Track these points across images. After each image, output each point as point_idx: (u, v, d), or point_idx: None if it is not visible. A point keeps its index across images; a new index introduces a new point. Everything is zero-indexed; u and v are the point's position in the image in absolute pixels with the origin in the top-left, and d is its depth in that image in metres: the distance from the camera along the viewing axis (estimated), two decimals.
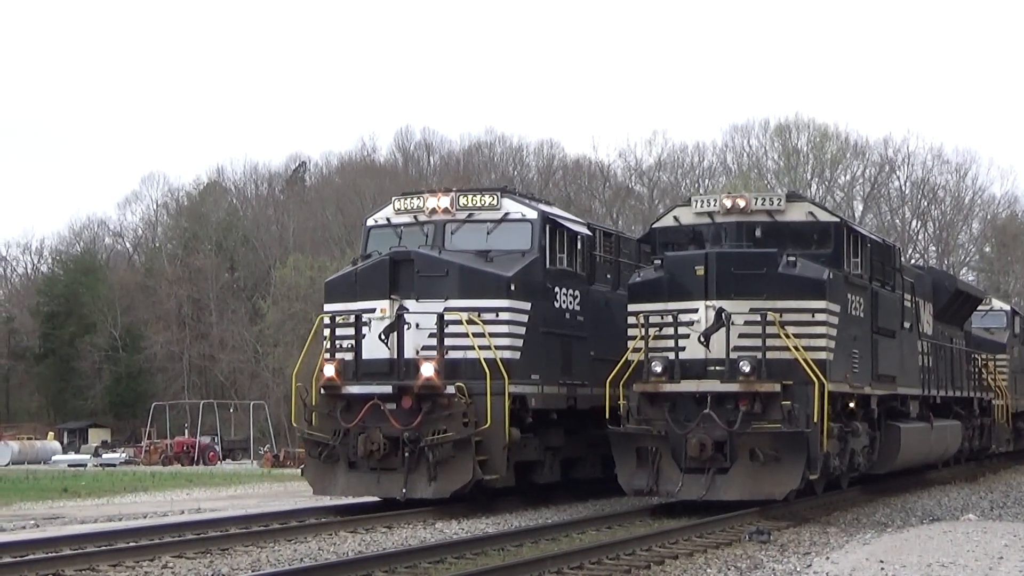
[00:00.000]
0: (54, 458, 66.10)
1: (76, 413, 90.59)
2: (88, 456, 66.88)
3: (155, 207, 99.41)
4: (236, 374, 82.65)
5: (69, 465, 61.20)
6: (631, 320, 22.62)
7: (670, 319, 21.87)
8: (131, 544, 17.99)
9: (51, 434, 78.84)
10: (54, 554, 16.84)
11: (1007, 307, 41.74)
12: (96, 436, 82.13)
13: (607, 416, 22.61)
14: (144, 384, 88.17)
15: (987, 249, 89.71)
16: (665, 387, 21.80)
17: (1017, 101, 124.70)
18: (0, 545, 17.76)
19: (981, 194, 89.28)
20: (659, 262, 22.79)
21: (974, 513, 23.15)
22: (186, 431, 71.46)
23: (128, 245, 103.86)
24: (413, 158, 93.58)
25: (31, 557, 16.58)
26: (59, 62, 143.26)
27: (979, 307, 36.72)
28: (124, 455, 66.59)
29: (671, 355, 21.79)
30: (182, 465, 60.26)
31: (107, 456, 65.83)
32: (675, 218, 23.97)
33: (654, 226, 24.60)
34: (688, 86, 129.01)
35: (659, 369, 21.80)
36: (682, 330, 21.74)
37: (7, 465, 62.42)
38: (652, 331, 22.04)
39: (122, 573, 15.68)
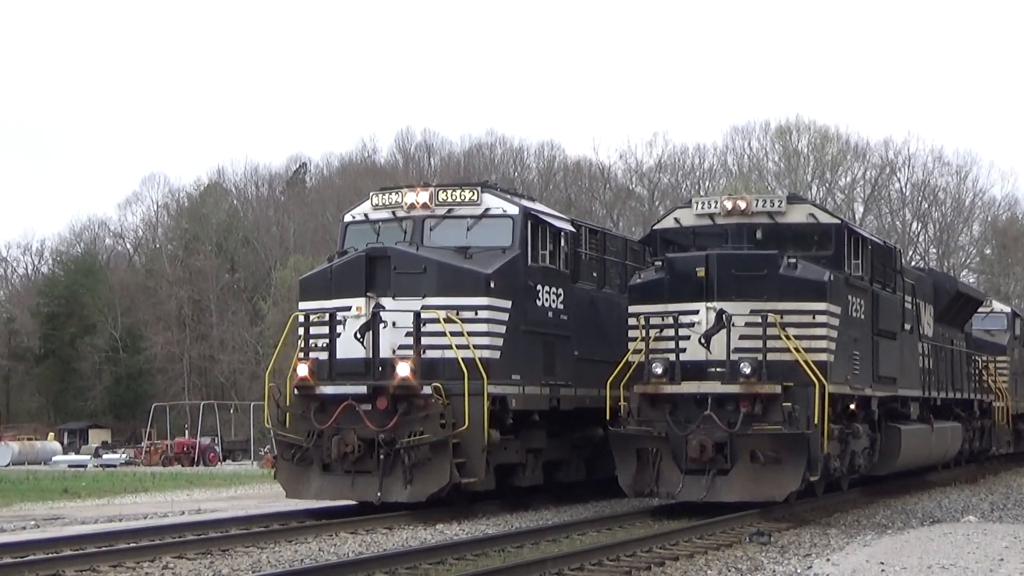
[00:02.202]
0: (54, 459, 66.13)
1: (76, 414, 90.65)
2: (88, 457, 66.88)
3: (155, 208, 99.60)
4: (236, 375, 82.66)
5: (69, 466, 61.21)
6: (631, 321, 22.60)
7: (671, 320, 21.86)
8: (131, 545, 17.99)
9: (51, 435, 78.90)
10: (54, 555, 16.84)
11: (1007, 309, 41.74)
12: (96, 437, 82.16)
13: (607, 417, 22.56)
14: (144, 385, 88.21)
15: (987, 251, 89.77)
16: (666, 388, 21.78)
17: (1018, 103, 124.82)
18: (1, 546, 17.76)
19: (982, 196, 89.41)
20: (660, 263, 22.77)
21: (974, 515, 23.14)
22: (186, 432, 71.46)
23: (128, 246, 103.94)
24: (414, 159, 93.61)
25: (31, 558, 16.58)
26: (60, 63, 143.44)
27: (979, 309, 36.75)
28: (124, 456, 66.58)
29: (672, 356, 21.77)
30: (182, 466, 60.25)
31: (107, 457, 65.83)
32: (676, 220, 23.98)
33: (655, 227, 24.59)
34: (689, 88, 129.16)
35: (660, 370, 21.77)
36: (683, 331, 21.72)
37: (7, 466, 62.42)
38: (653, 332, 22.03)
39: (122, 574, 15.68)
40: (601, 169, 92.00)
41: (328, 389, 21.96)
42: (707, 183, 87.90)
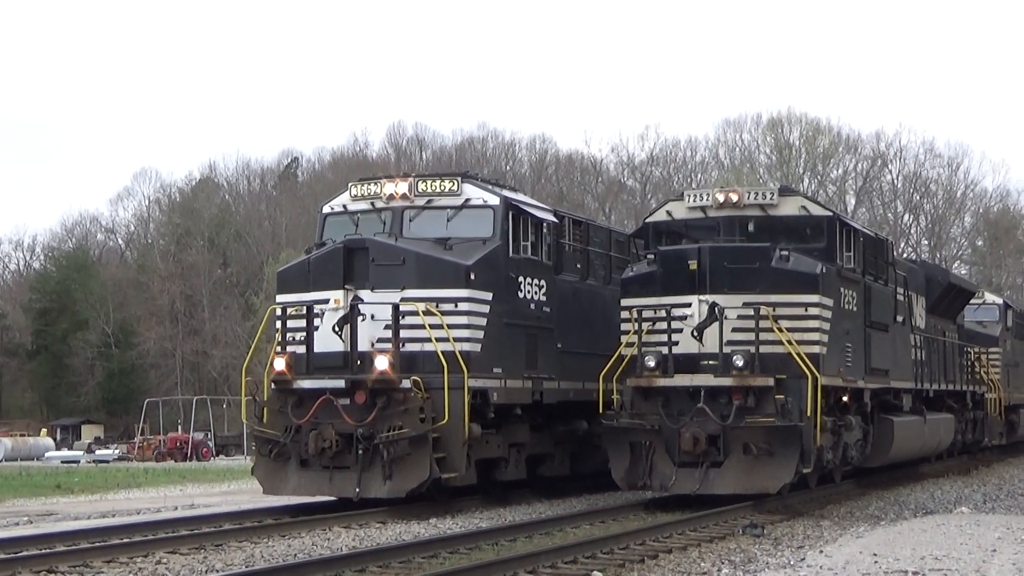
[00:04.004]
0: (47, 455, 66.10)
1: (69, 409, 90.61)
2: (81, 452, 66.85)
3: (147, 203, 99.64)
4: (229, 370, 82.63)
5: (62, 462, 61.18)
6: (624, 314, 22.59)
7: (663, 313, 21.85)
8: (125, 540, 17.92)
9: (44, 431, 78.79)
10: (48, 551, 16.76)
11: (999, 300, 41.77)
12: (89, 432, 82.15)
13: (600, 410, 22.53)
14: (137, 380, 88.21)
15: (979, 243, 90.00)
16: (658, 381, 21.77)
17: (1009, 95, 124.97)
18: None
19: (973, 188, 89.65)
20: (652, 256, 22.76)
21: (967, 506, 23.17)
22: (179, 427, 71.39)
23: (120, 241, 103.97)
24: (405, 153, 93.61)
25: (25, 554, 16.51)
26: (51, 59, 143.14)
27: (971, 300, 36.75)
28: (117, 451, 66.59)
29: (664, 349, 21.75)
30: (175, 461, 60.18)
31: (100, 452, 65.82)
32: (668, 212, 23.96)
33: (647, 220, 24.57)
34: (680, 80, 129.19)
35: (652, 363, 21.75)
36: (675, 324, 21.71)
37: (0, 462, 62.36)
38: (645, 325, 22.02)
39: (116, 569, 15.61)
40: (593, 162, 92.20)
41: (305, 383, 21.48)
42: (699, 176, 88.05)
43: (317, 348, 21.58)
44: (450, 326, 21.25)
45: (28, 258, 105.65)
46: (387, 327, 21.25)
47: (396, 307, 21.19)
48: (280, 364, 21.62)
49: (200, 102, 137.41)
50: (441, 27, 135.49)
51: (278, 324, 22.23)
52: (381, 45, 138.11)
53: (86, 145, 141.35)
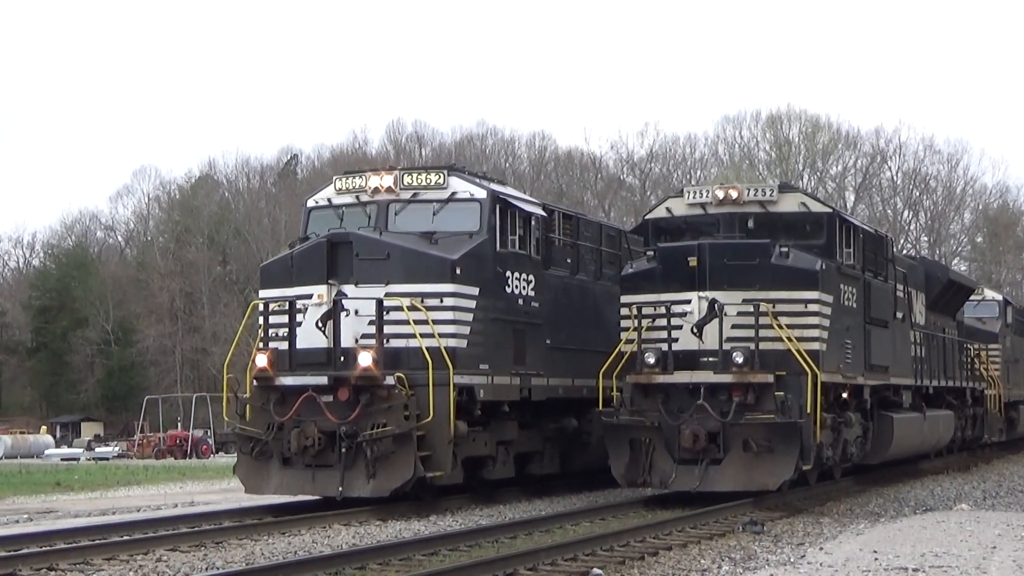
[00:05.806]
0: (47, 452, 66.16)
1: (69, 407, 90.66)
2: (81, 450, 66.91)
3: (147, 200, 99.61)
4: None
5: (62, 459, 61.24)
6: (624, 311, 22.57)
7: (663, 310, 21.84)
8: (125, 538, 17.90)
9: (44, 428, 78.86)
10: (48, 548, 16.77)
11: (999, 297, 41.80)
12: (89, 430, 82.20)
13: (599, 407, 22.50)
14: (137, 378, 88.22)
15: (979, 239, 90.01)
16: (658, 378, 21.74)
17: (1009, 91, 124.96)
18: None
19: (973, 184, 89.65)
20: (652, 253, 22.73)
21: (967, 503, 23.18)
22: (179, 424, 71.41)
23: (120, 239, 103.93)
24: (405, 150, 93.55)
25: (25, 551, 16.51)
26: (50, 56, 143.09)
27: (971, 297, 36.77)
28: (117, 449, 66.61)
29: (664, 346, 21.73)
30: (175, 458, 60.24)
31: (100, 450, 65.85)
32: (668, 209, 23.95)
33: (647, 217, 24.57)
34: (680, 77, 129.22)
35: (652, 360, 21.73)
36: (675, 321, 21.70)
37: (0, 459, 62.37)
38: (645, 322, 22.00)
39: (116, 567, 15.60)
40: (592, 159, 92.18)
41: (288, 380, 21.08)
42: (698, 172, 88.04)
43: (300, 344, 21.25)
44: (435, 321, 20.94)
45: (28, 255, 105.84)
46: (371, 323, 20.91)
47: (380, 302, 20.85)
48: (262, 360, 21.23)
49: (200, 99, 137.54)
50: (440, 24, 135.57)
51: (260, 320, 21.89)
52: (381, 42, 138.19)
53: (86, 142, 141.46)
